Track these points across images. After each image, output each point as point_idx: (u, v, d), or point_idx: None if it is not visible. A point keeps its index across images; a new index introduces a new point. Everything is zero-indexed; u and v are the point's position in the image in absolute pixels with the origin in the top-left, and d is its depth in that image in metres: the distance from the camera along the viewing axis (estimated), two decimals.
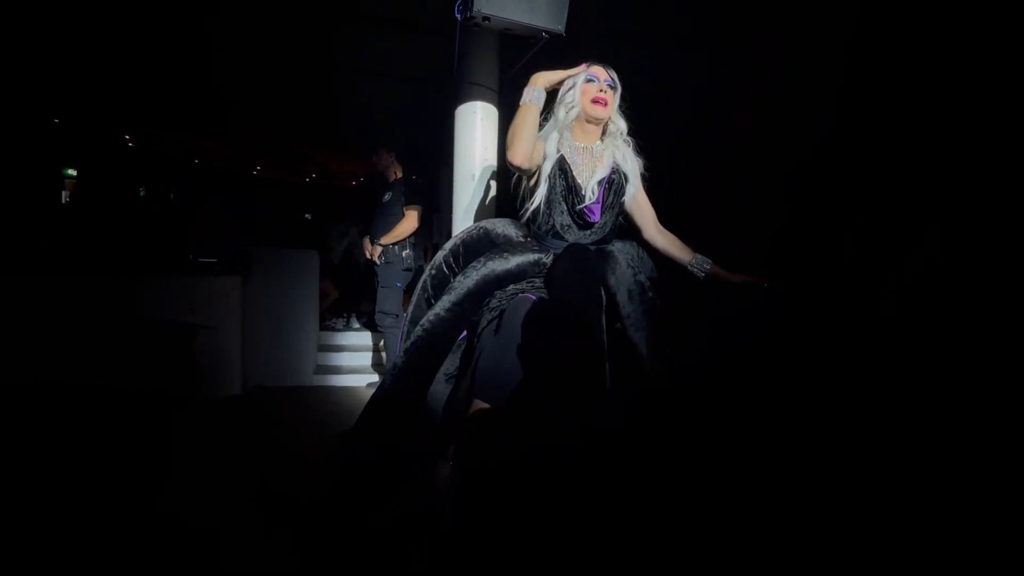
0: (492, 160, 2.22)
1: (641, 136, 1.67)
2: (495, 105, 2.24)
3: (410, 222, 3.21)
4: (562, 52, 1.90)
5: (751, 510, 1.41)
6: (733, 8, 2.66)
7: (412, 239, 3.29)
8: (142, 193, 6.90)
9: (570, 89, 1.57)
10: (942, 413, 1.65)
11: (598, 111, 1.54)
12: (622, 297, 1.40)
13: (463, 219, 2.21)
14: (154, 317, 3.23)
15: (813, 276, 2.56)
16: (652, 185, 1.68)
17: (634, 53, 2.99)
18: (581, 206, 1.53)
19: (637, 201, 1.63)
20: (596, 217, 1.56)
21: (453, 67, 2.27)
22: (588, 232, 1.56)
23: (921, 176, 2.35)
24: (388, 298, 3.30)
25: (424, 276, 1.58)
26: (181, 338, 3.26)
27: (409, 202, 3.23)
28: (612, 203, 1.57)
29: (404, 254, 3.26)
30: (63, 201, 6.10)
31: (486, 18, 1.71)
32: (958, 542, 1.38)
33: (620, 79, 1.60)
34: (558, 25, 1.77)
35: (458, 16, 1.81)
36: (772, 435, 1.51)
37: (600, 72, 1.58)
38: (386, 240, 3.24)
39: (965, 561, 1.35)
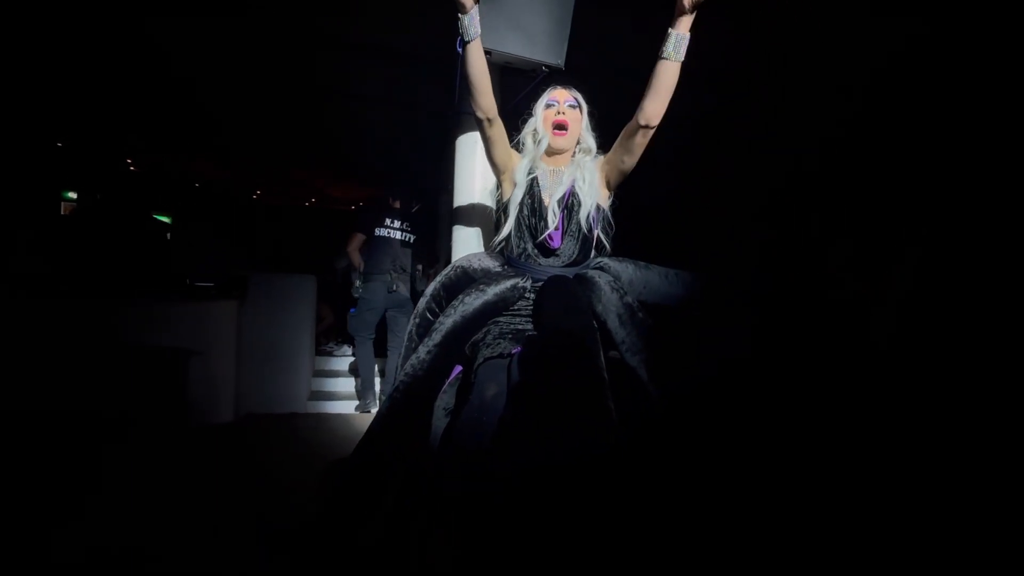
0: (492, 189, 2.23)
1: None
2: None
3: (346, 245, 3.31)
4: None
5: (756, 533, 1.37)
6: (731, 41, 2.73)
7: (360, 268, 3.29)
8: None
9: (533, 116, 1.59)
10: (929, 434, 1.65)
11: (559, 142, 1.55)
12: (613, 323, 1.38)
13: (462, 247, 2.21)
14: (148, 342, 3.19)
15: (802, 293, 2.58)
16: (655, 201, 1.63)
17: (635, 83, 3.07)
18: (542, 236, 1.52)
19: (609, 159, 1.55)
20: (557, 243, 1.53)
21: (454, 97, 2.30)
22: (554, 259, 1.55)
23: (904, 196, 2.40)
24: (349, 321, 3.51)
25: (409, 327, 1.55)
26: (175, 363, 3.22)
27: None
28: (571, 229, 1.54)
29: (357, 283, 3.26)
30: (60, 221, 6.10)
31: (487, 52, 1.74)
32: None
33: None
34: (558, 60, 1.80)
35: (459, 50, 1.83)
36: (773, 452, 1.49)
37: (560, 95, 1.58)
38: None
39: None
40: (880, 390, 1.81)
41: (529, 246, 1.55)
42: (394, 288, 3.18)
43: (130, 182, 7.00)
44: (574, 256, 1.55)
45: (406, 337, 1.55)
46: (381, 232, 3.16)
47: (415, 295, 3.34)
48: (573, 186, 1.55)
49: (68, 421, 2.83)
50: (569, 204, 1.54)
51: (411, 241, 3.24)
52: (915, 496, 1.54)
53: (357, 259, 3.22)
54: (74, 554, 1.71)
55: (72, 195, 6.44)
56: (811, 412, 1.64)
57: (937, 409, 1.73)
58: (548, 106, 1.57)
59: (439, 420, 1.45)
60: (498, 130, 1.54)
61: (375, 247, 3.18)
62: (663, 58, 1.37)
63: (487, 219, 2.22)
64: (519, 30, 1.72)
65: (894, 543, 1.42)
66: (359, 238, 3.19)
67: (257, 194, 8.61)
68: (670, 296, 1.54)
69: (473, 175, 2.20)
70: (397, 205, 3.42)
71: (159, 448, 2.77)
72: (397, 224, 3.22)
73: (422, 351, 1.39)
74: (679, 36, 1.34)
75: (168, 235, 6.48)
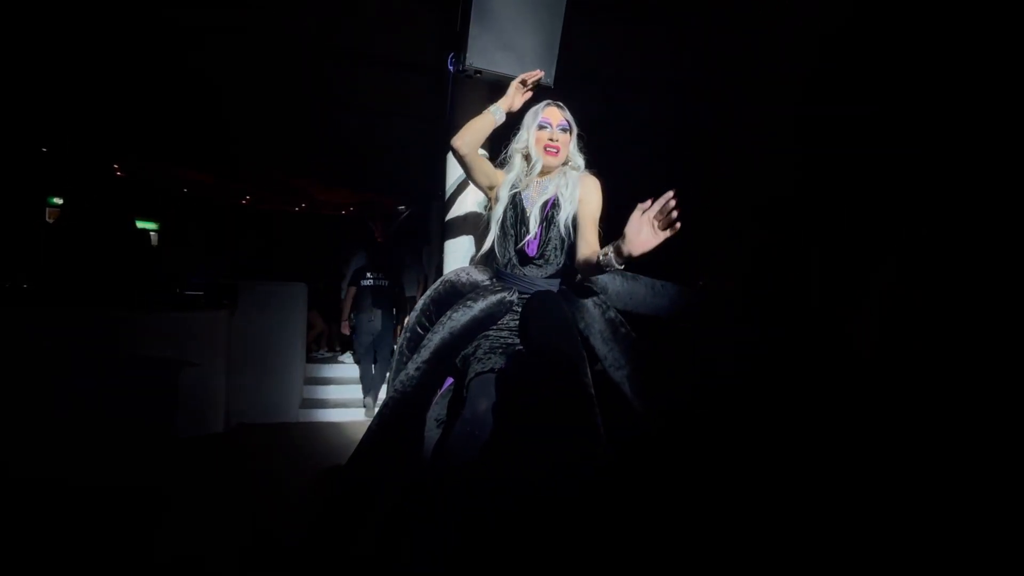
0: (483, 201, 2.26)
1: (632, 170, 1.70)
2: (486, 150, 2.30)
3: None
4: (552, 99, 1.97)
5: (743, 543, 1.41)
6: (717, 59, 2.79)
7: (353, 309, 4.37)
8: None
9: (525, 131, 1.61)
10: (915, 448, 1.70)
11: (551, 161, 1.58)
12: (596, 341, 1.41)
13: (454, 259, 2.24)
14: (137, 351, 3.17)
15: (785, 310, 2.63)
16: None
17: (623, 93, 3.11)
18: (521, 243, 1.54)
19: (584, 236, 1.51)
20: (532, 252, 1.56)
21: (447, 107, 2.33)
22: (535, 267, 1.56)
23: (885, 202, 2.46)
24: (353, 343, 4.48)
25: (400, 341, 1.58)
26: (165, 373, 3.20)
27: None
28: (551, 236, 1.55)
29: (351, 316, 4.37)
30: (45, 228, 6.01)
31: (478, 71, 1.78)
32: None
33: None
34: (547, 78, 1.84)
35: (451, 68, 1.87)
36: (760, 462, 1.52)
37: (553, 115, 1.59)
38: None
39: None
40: (864, 397, 1.85)
41: (513, 256, 1.58)
42: (371, 319, 4.33)
43: (117, 187, 6.91)
44: (560, 266, 1.57)
45: (396, 351, 1.58)
46: (365, 283, 4.42)
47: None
48: (556, 195, 1.57)
49: (55, 432, 2.80)
50: (549, 215, 1.56)
51: (385, 286, 4.47)
52: (898, 508, 1.57)
53: (348, 306, 4.40)
54: (64, 567, 1.71)
55: (57, 200, 6.35)
56: (797, 422, 1.67)
57: (920, 416, 1.77)
58: (541, 127, 1.58)
59: (431, 431, 1.48)
60: (476, 160, 1.59)
61: (360, 293, 4.39)
62: (596, 261, 1.31)
63: (479, 231, 2.25)
64: (509, 50, 1.76)
65: (877, 554, 1.46)
66: (352, 290, 4.41)
67: (246, 199, 8.54)
68: (657, 307, 1.57)
69: (465, 187, 2.24)
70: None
71: (149, 459, 2.76)
72: (373, 276, 4.48)
73: (411, 368, 1.41)
74: (617, 260, 1.27)
75: (155, 242, 6.42)
